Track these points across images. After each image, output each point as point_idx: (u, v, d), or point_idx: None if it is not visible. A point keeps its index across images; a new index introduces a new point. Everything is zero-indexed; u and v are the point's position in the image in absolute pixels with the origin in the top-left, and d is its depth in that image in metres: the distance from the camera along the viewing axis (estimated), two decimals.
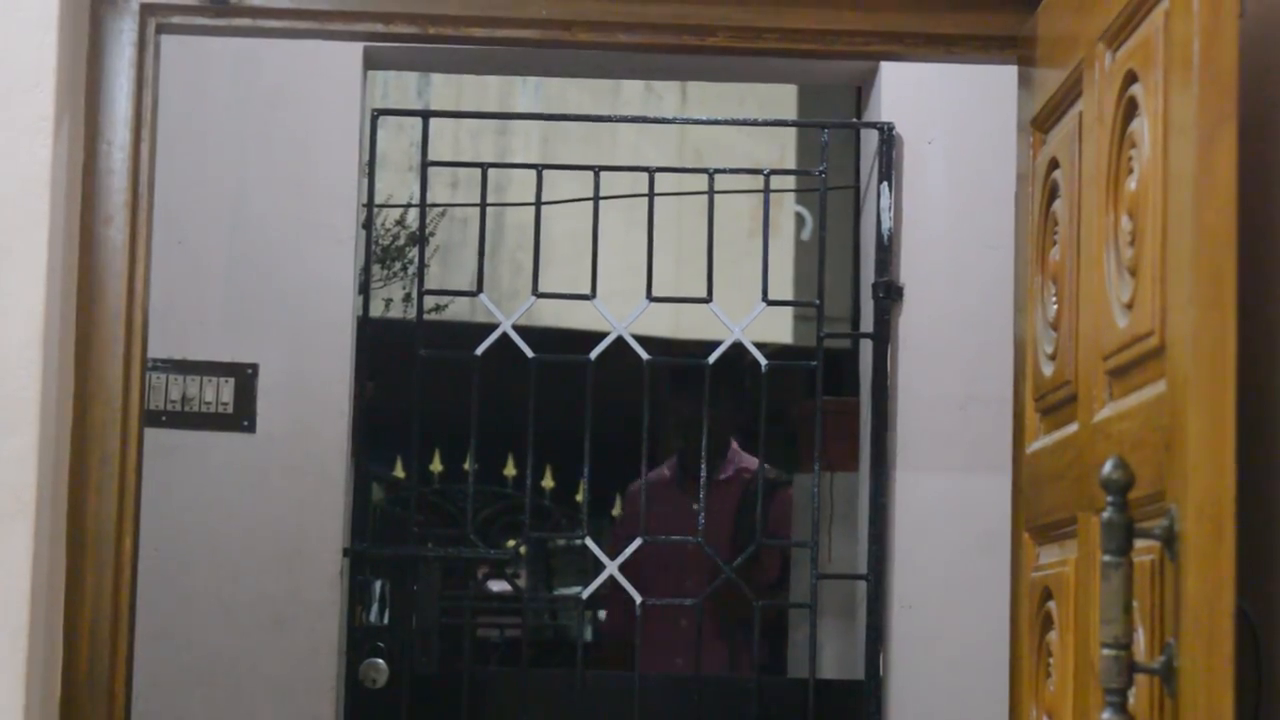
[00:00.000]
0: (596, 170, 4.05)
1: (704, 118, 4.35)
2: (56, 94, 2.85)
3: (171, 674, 3.89)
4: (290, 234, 4.05)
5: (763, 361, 4.04)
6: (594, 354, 4.05)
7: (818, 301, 4.07)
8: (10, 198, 2.82)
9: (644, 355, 4.08)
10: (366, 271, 4.16)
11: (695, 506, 4.37)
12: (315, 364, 4.03)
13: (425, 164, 4.05)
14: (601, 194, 4.07)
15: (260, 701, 3.95)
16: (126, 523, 3.03)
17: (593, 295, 4.07)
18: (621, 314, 4.07)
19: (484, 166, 4.10)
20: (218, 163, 4.06)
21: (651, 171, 4.04)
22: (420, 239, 4.18)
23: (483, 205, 4.08)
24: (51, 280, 2.84)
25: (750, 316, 4.04)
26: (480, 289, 4.10)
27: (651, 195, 4.05)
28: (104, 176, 3.04)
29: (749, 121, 4.69)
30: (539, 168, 4.08)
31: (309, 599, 3.97)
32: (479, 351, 4.03)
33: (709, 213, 4.03)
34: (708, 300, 4.03)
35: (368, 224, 4.16)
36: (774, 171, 4.14)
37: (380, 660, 3.91)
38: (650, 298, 4.03)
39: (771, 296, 4.10)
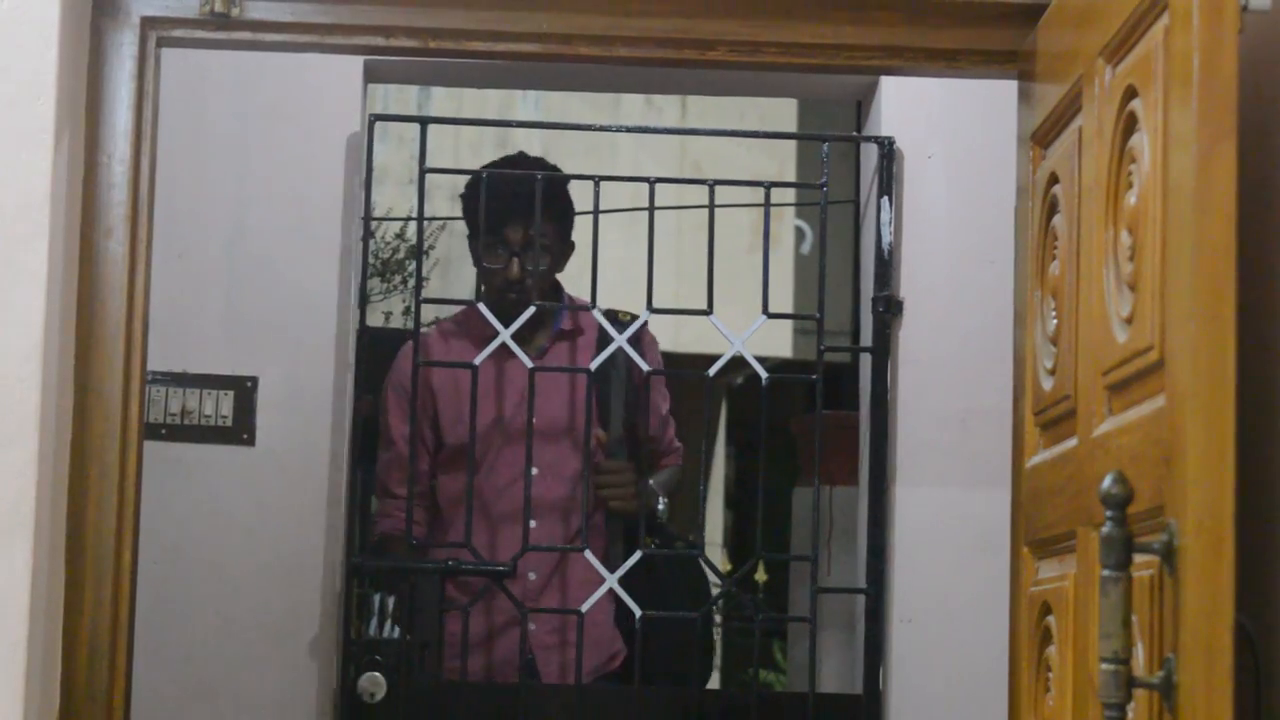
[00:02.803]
0: (597, 180, 4.02)
1: (707, 133, 4.29)
2: (57, 107, 2.85)
3: (170, 687, 3.88)
4: (290, 247, 4.05)
5: (763, 375, 4.02)
6: (594, 365, 4.02)
7: (818, 315, 4.05)
8: (10, 211, 2.82)
9: (644, 366, 4.06)
10: (365, 284, 4.14)
11: (530, 365, 3.98)
12: (315, 377, 4.03)
13: (423, 171, 4.01)
14: (602, 207, 4.05)
15: (260, 715, 3.95)
16: (125, 535, 3.03)
17: (593, 306, 4.04)
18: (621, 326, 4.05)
19: (481, 173, 4.06)
20: (218, 176, 4.06)
21: (652, 182, 4.01)
22: (419, 247, 4.15)
23: (482, 214, 4.05)
24: (51, 293, 2.85)
25: (751, 329, 4.00)
26: (479, 298, 4.07)
27: (652, 208, 4.03)
28: (104, 189, 3.04)
29: (750, 133, 4.66)
30: (538, 175, 4.04)
31: (309, 612, 3.97)
32: (477, 362, 3.98)
33: (710, 224, 4.01)
34: (708, 312, 4.00)
35: (365, 237, 4.14)
36: (775, 184, 4.12)
37: (378, 674, 3.88)
38: (650, 309, 4.00)
39: (771, 310, 4.07)
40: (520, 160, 4.20)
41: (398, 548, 4.03)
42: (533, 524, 4.03)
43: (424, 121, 3.98)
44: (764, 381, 4.00)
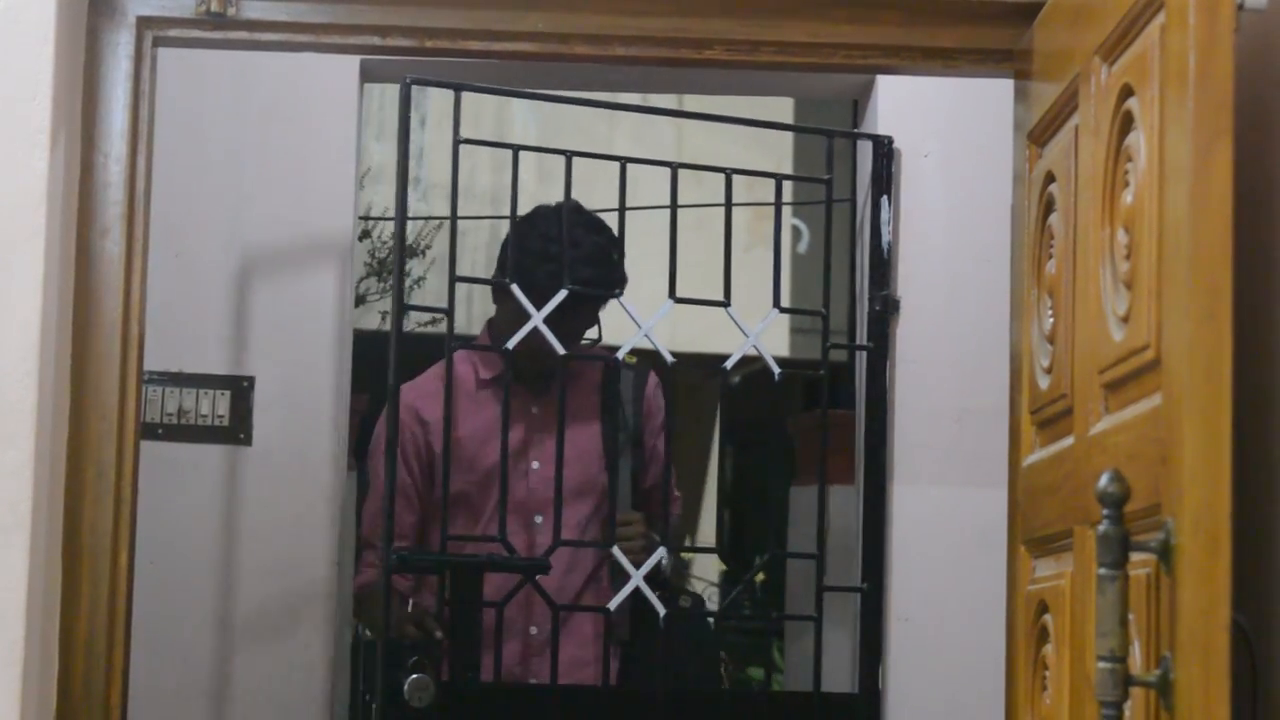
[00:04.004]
0: (623, 162, 3.94)
1: (709, 118, 4.24)
2: (53, 106, 2.85)
3: (167, 687, 3.88)
4: (287, 247, 4.05)
5: (776, 370, 3.96)
6: (621, 354, 3.92)
7: (824, 311, 4.00)
8: (7, 210, 2.82)
9: (669, 357, 3.95)
10: (402, 275, 4.02)
11: (534, 410, 3.94)
12: (312, 377, 4.03)
13: (457, 141, 3.81)
14: (601, 205, 4.00)
15: (256, 715, 3.95)
16: (122, 535, 3.03)
17: (619, 293, 3.92)
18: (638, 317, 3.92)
19: (515, 148, 3.88)
20: (214, 176, 4.06)
21: (675, 167, 3.94)
22: (452, 223, 3.90)
23: (514, 190, 3.81)
24: (48, 293, 2.84)
25: (764, 323, 3.92)
26: (512, 280, 3.83)
27: (674, 203, 3.93)
28: (100, 189, 3.04)
29: (753, 122, 4.56)
30: (568, 154, 3.91)
31: (305, 612, 3.97)
32: (511, 345, 3.78)
33: (726, 215, 3.95)
34: (726, 304, 3.92)
35: (400, 225, 4.04)
36: (785, 176, 4.09)
37: (423, 675, 3.69)
38: (674, 298, 3.89)
39: (779, 305, 4.00)
40: (574, 211, 3.97)
41: (377, 601, 3.78)
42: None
43: (458, 89, 3.80)
44: (777, 377, 3.95)
